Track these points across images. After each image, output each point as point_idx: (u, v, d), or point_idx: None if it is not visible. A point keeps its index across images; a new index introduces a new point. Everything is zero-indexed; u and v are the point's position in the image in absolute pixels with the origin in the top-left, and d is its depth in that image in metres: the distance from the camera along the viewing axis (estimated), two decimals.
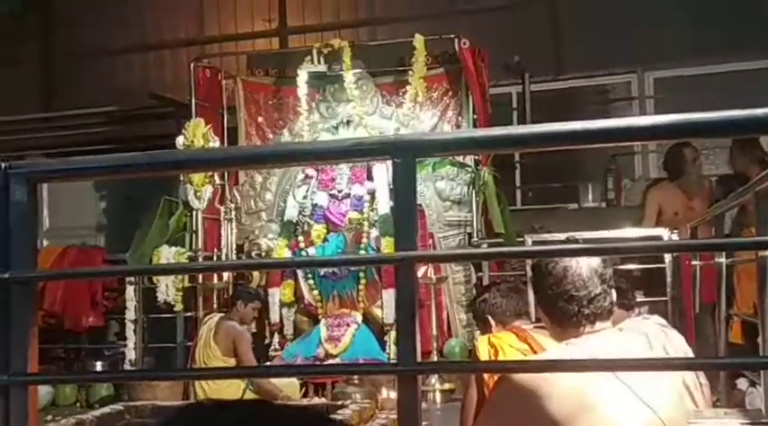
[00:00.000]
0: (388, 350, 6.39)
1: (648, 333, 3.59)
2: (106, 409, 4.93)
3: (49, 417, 5.73)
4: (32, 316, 1.59)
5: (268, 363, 6.57)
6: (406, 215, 1.63)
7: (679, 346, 3.60)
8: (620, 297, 3.68)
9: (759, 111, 1.45)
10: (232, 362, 6.12)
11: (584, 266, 2.18)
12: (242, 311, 6.37)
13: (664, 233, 5.65)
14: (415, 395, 1.51)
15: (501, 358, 2.97)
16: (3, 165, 1.50)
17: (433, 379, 6.09)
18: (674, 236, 5.59)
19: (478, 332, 3.57)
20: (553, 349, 2.24)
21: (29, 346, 1.57)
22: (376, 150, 1.69)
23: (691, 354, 3.47)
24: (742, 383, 5.05)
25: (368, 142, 1.66)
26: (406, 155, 1.58)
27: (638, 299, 3.90)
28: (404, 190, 1.62)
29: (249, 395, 5.57)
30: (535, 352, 2.95)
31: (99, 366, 7.91)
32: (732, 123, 1.43)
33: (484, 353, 3.02)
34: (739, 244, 2.06)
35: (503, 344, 3.01)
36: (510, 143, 1.64)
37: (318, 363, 6.39)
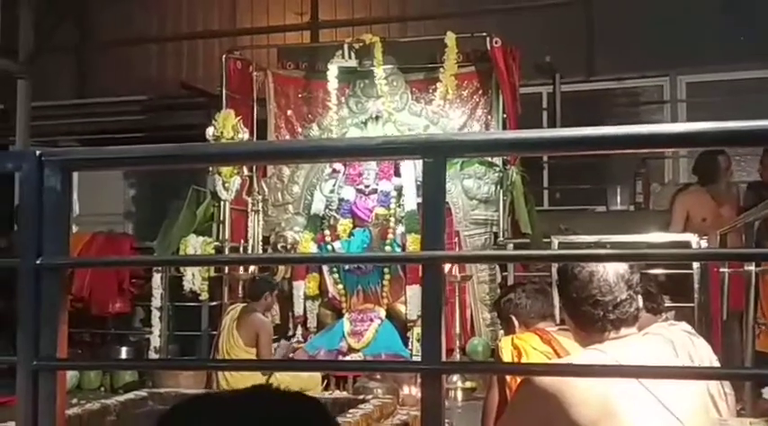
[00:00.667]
0: (410, 347, 6.40)
1: (674, 340, 3.55)
2: (130, 395, 4.98)
3: (74, 400, 5.79)
4: (62, 303, 1.61)
5: (291, 355, 6.60)
6: (434, 215, 1.64)
7: (705, 354, 3.56)
8: (648, 300, 3.66)
9: None
10: (254, 352, 6.15)
11: (611, 271, 2.16)
12: (268, 301, 6.38)
13: (693, 239, 5.59)
14: (438, 394, 1.52)
15: (524, 360, 2.96)
16: (37, 153, 1.52)
17: (455, 377, 6.08)
18: (704, 243, 5.53)
19: (502, 331, 3.55)
20: (577, 353, 2.23)
21: (58, 332, 1.60)
22: (406, 149, 1.70)
23: (716, 363, 3.44)
24: (767, 392, 5.01)
25: (398, 141, 1.67)
26: (436, 156, 1.59)
27: (666, 304, 3.87)
28: (433, 190, 1.62)
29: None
30: (558, 355, 2.93)
31: (124, 351, 7.99)
32: (765, 132, 1.42)
33: (507, 354, 3.01)
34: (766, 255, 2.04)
35: (526, 346, 3.00)
36: (541, 146, 1.63)
37: (341, 357, 6.42)
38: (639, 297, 2.22)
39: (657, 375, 1.61)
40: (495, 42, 6.89)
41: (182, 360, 5.37)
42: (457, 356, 6.26)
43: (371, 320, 6.56)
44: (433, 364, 1.61)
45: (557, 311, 3.28)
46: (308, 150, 1.81)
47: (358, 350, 6.42)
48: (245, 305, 6.29)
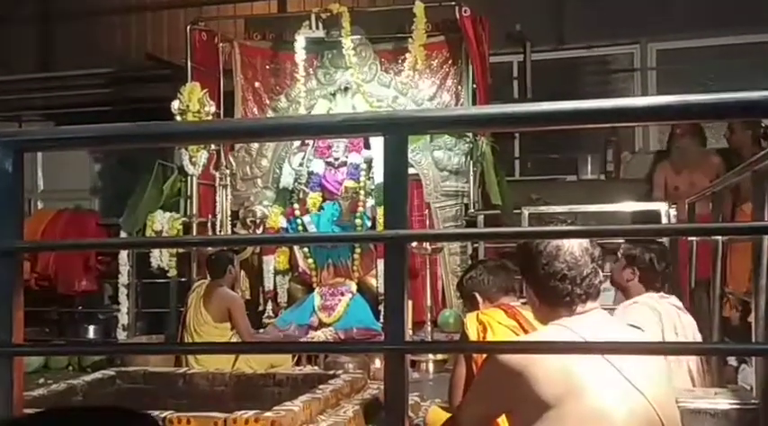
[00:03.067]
0: (381, 320, 6.39)
1: (661, 312, 3.58)
2: (98, 374, 4.92)
3: (41, 380, 5.74)
4: (18, 287, 1.57)
5: (261, 330, 6.57)
6: (396, 192, 1.60)
7: (689, 329, 3.59)
8: (644, 274, 3.66)
9: (759, 95, 1.41)
10: (225, 327, 6.09)
11: (576, 244, 2.15)
12: (233, 274, 6.33)
13: (662, 208, 5.62)
14: (401, 374, 1.50)
15: (490, 335, 2.96)
16: None
17: None
18: (672, 212, 5.56)
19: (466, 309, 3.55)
20: (542, 329, 2.22)
21: (13, 317, 1.55)
22: (368, 126, 1.66)
23: (699, 338, 3.46)
24: (733, 359, 5.07)
25: (360, 118, 1.63)
26: (398, 133, 1.55)
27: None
28: (395, 167, 1.58)
29: (241, 363, 5.56)
30: (524, 329, 2.93)
31: (92, 330, 7.93)
32: (730, 106, 1.39)
33: (473, 330, 3.01)
34: (736, 229, 2.03)
35: (491, 321, 3.00)
36: (504, 122, 1.60)
37: (312, 331, 6.40)
38: (600, 271, 2.21)
39: (625, 351, 1.60)
40: (464, 11, 6.83)
41: (148, 345, 5.31)
42: (428, 328, 6.27)
43: (342, 294, 6.54)
44: (395, 344, 1.59)
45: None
46: (269, 128, 1.77)
47: (329, 325, 6.41)
48: (210, 281, 6.22)
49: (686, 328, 3.59)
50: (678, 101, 1.34)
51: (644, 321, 3.33)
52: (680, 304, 3.66)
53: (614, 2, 9.27)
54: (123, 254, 6.96)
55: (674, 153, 7.13)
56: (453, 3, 6.90)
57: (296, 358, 6.01)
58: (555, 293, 2.15)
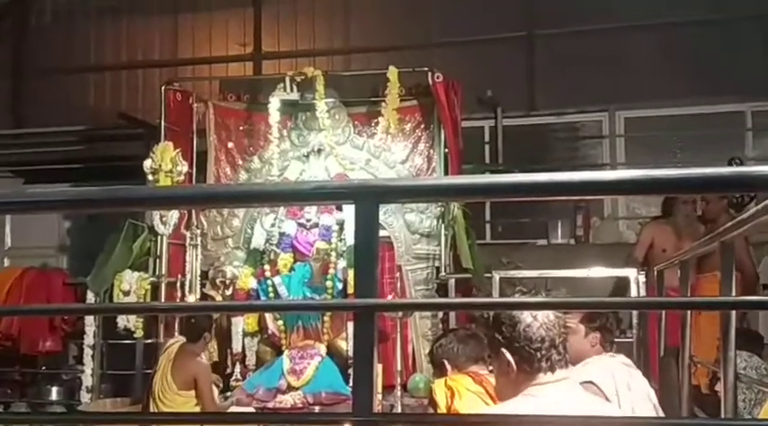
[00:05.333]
0: (351, 384, 6.30)
1: (614, 372, 3.59)
2: None
3: None
4: None
5: (228, 393, 6.45)
6: (367, 261, 1.60)
7: (642, 386, 3.60)
8: (604, 337, 3.68)
9: (725, 171, 1.44)
10: (189, 395, 5.93)
11: (551, 312, 2.16)
12: (207, 341, 6.21)
13: (632, 274, 5.66)
14: None
15: (458, 401, 2.95)
16: None
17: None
18: (642, 278, 5.60)
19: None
20: (511, 398, 2.20)
21: None
22: (339, 195, 1.66)
23: (653, 394, 3.47)
24: None
25: (331, 186, 1.64)
26: (368, 201, 1.55)
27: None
28: (366, 235, 1.58)
29: None
30: (491, 396, 2.92)
31: (55, 391, 7.75)
32: (693, 181, 1.41)
33: (441, 396, 3.00)
34: (706, 304, 2.05)
35: (459, 387, 2.99)
36: (473, 193, 1.61)
37: (280, 395, 6.30)
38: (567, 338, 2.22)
39: (595, 424, 1.59)
40: (437, 77, 6.92)
41: (107, 414, 5.19)
42: (398, 393, 6.20)
43: (312, 357, 6.46)
44: (363, 415, 1.57)
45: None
46: (239, 195, 1.77)
47: (298, 388, 6.30)
48: (182, 344, 6.11)
49: (638, 384, 3.60)
50: (645, 175, 1.35)
51: (600, 379, 3.34)
52: (629, 361, 3.68)
53: (584, 70, 9.49)
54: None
55: (683, 219, 7.22)
56: (426, 68, 7.00)
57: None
58: (536, 357, 2.14)
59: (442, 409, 2.97)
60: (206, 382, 5.98)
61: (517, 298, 2.30)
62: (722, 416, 2.58)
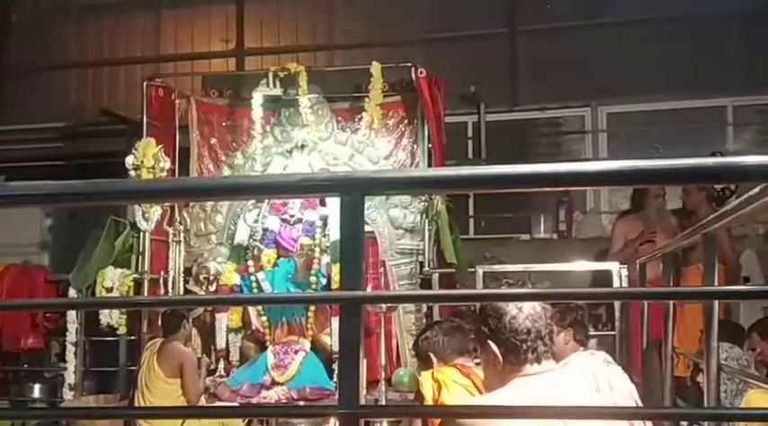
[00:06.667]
0: (335, 379, 6.31)
1: (594, 369, 3.60)
2: None
3: None
4: None
5: (211, 389, 6.44)
6: (353, 253, 1.60)
7: (623, 383, 3.62)
8: (579, 333, 3.70)
9: (708, 161, 1.45)
10: (177, 383, 6.00)
11: (537, 303, 2.17)
12: (187, 330, 6.26)
13: (614, 268, 5.69)
14: None
15: (445, 393, 2.95)
16: None
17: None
18: (624, 272, 5.63)
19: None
20: (497, 389, 2.21)
21: None
22: (324, 187, 1.66)
23: (634, 392, 3.48)
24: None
25: (316, 178, 1.63)
26: (354, 193, 1.55)
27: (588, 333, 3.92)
28: (351, 227, 1.58)
29: (192, 421, 5.43)
30: (478, 388, 2.92)
31: (37, 388, 7.69)
32: (680, 171, 1.42)
33: (428, 389, 3.00)
34: (688, 293, 2.07)
35: (446, 379, 2.99)
36: (458, 184, 1.62)
37: (265, 390, 6.29)
38: (555, 329, 2.24)
39: (579, 415, 1.60)
40: (420, 72, 6.92)
41: (96, 409, 5.17)
42: (382, 387, 6.20)
43: (296, 352, 6.45)
44: (350, 408, 1.57)
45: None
46: (224, 188, 1.76)
47: (282, 384, 6.29)
48: (163, 339, 6.13)
49: (619, 381, 3.62)
50: (630, 166, 1.36)
51: (581, 379, 3.35)
52: (610, 358, 3.69)
53: (566, 66, 9.53)
54: (71, 312, 6.80)
55: (653, 212, 7.23)
56: (410, 64, 7.00)
57: (247, 420, 5.89)
58: (521, 348, 2.15)
59: (429, 401, 2.97)
60: (192, 368, 6.01)
61: (503, 290, 2.31)
62: (705, 406, 2.60)
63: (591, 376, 3.53)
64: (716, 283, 2.49)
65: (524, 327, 2.14)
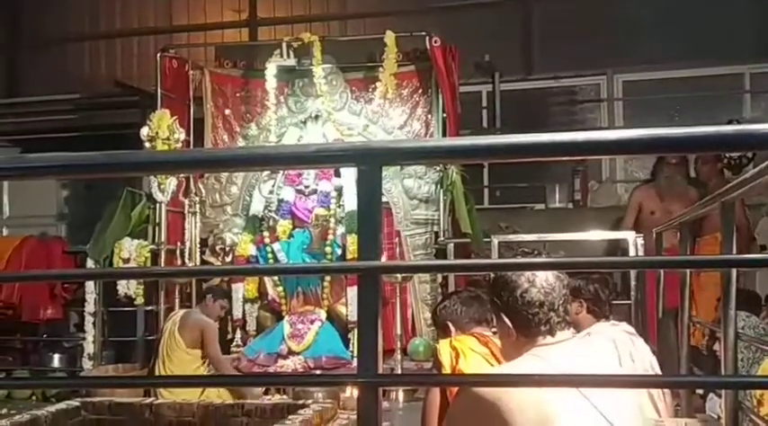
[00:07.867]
0: (351, 348, 6.36)
1: (616, 340, 3.59)
2: (62, 405, 4.81)
3: (4, 411, 5.63)
4: None
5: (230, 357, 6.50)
6: (370, 223, 1.60)
7: (645, 355, 3.61)
8: (596, 305, 3.69)
9: (727, 129, 1.43)
10: (197, 353, 6.07)
11: (550, 272, 2.16)
12: (210, 306, 6.29)
13: (630, 237, 5.67)
14: (375, 406, 1.48)
15: (462, 361, 2.96)
16: None
17: None
18: (640, 241, 5.61)
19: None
20: (516, 360, 2.21)
21: None
22: (341, 157, 1.65)
23: (656, 363, 3.47)
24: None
25: (333, 149, 1.62)
26: (371, 163, 1.55)
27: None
28: (369, 198, 1.58)
29: (210, 391, 5.50)
30: (495, 357, 2.93)
31: (57, 358, 7.79)
32: (698, 139, 1.41)
33: (446, 357, 3.01)
34: (708, 262, 2.06)
35: (464, 348, 3.00)
36: (476, 153, 1.61)
37: (281, 360, 6.34)
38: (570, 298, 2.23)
39: (596, 383, 1.60)
40: (435, 41, 6.88)
41: (116, 378, 5.23)
42: (398, 357, 6.24)
43: (312, 322, 6.50)
44: (368, 377, 1.58)
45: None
46: (240, 158, 1.76)
47: (298, 353, 6.35)
48: (186, 310, 6.21)
49: (641, 353, 3.61)
50: (649, 134, 1.35)
51: (602, 350, 3.35)
52: (632, 329, 3.68)
53: (581, 34, 9.42)
54: (89, 282, 6.86)
55: (664, 180, 7.23)
56: (424, 33, 6.95)
57: (264, 387, 5.95)
58: (534, 321, 2.14)
59: (447, 369, 2.98)
60: (212, 338, 6.07)
61: (518, 259, 2.30)
62: (722, 374, 2.60)
63: (612, 346, 3.53)
64: (734, 251, 2.48)
65: (537, 300, 2.13)
